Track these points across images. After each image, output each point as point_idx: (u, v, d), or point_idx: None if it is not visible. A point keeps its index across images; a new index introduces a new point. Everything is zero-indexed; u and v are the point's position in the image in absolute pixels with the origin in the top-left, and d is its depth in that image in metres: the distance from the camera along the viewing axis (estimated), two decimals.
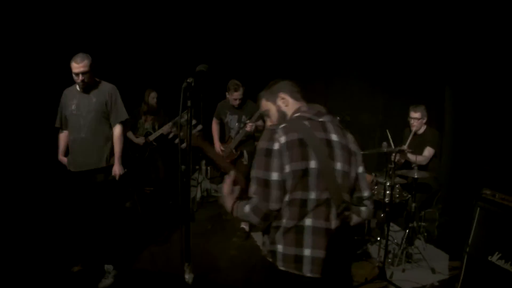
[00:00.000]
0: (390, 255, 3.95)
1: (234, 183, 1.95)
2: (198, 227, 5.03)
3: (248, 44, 6.66)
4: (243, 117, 4.63)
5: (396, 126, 4.82)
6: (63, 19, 4.96)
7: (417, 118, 4.34)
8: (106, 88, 3.50)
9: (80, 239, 3.71)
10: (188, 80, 1.95)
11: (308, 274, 1.72)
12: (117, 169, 3.50)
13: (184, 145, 1.99)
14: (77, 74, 3.29)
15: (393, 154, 3.86)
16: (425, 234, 4.41)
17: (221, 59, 6.36)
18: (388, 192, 3.91)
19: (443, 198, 4.76)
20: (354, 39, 5.85)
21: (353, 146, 1.90)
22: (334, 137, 1.84)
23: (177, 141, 2.04)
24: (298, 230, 1.74)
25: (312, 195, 1.73)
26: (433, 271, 3.78)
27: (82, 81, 3.32)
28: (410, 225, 3.92)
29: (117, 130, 3.53)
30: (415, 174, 3.76)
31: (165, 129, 5.05)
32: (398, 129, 4.73)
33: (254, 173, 1.76)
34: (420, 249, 4.03)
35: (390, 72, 5.53)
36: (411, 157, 4.14)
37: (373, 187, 4.12)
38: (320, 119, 1.86)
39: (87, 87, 3.41)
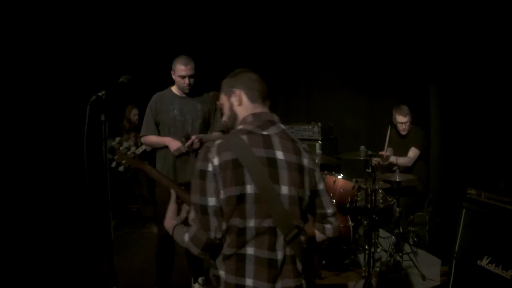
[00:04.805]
0: (378, 264, 3.75)
1: (179, 202, 1.76)
2: None
3: (228, 45, 6.54)
4: None
5: (381, 127, 4.64)
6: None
7: (406, 123, 4.18)
8: (209, 94, 3.31)
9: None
10: (99, 93, 1.86)
11: None
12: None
13: (122, 167, 1.93)
14: (184, 77, 3.08)
15: (374, 159, 3.67)
16: (415, 239, 4.21)
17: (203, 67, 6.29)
18: (372, 198, 3.72)
19: (433, 201, 4.57)
20: (335, 39, 5.75)
21: (308, 162, 1.62)
22: (279, 154, 1.56)
23: (113, 164, 1.94)
24: (239, 258, 1.52)
25: (251, 223, 1.50)
26: (424, 277, 3.58)
27: (189, 84, 3.11)
28: (396, 231, 3.72)
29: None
30: (397, 177, 3.55)
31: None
32: (383, 130, 4.51)
33: (191, 198, 1.55)
34: (410, 255, 3.81)
35: (372, 72, 5.40)
36: (393, 159, 3.96)
37: (355, 193, 3.92)
38: (264, 132, 1.59)
39: (191, 92, 3.19)
